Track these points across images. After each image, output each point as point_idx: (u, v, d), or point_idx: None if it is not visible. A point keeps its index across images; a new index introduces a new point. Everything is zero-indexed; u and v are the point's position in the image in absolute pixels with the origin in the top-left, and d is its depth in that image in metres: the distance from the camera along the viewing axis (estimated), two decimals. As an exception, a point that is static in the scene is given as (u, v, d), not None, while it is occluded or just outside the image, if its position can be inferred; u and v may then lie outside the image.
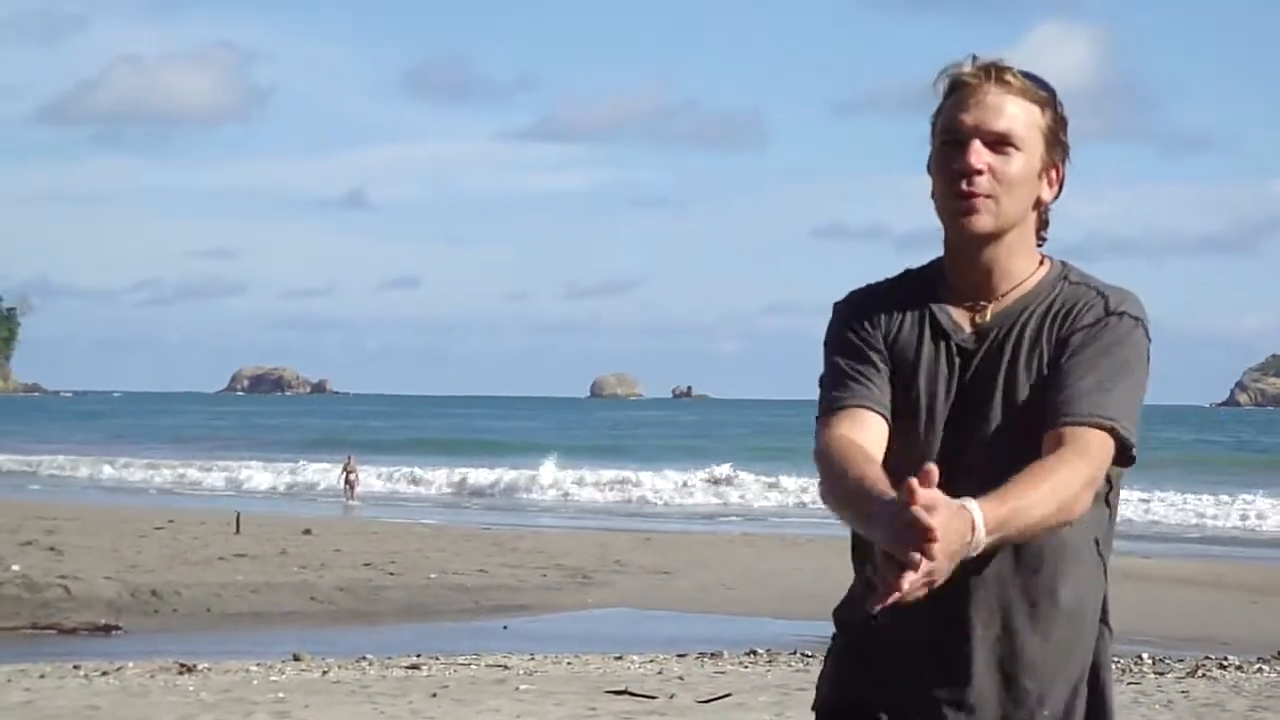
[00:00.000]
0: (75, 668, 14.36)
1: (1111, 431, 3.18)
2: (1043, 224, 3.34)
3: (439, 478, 46.36)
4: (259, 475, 48.97)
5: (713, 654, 15.87)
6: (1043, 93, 3.28)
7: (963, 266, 3.32)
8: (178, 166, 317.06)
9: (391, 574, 22.14)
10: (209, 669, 14.34)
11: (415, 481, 46.37)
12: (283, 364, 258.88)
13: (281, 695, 12.63)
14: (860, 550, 3.40)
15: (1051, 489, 3.06)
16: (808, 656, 15.90)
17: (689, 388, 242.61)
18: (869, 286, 3.42)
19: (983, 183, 3.22)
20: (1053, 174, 3.30)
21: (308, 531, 27.19)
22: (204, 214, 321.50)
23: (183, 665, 14.47)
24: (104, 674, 14.01)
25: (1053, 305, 3.28)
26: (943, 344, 3.30)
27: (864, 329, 3.35)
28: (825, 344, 3.41)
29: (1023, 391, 3.24)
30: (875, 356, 3.32)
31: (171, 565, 22.04)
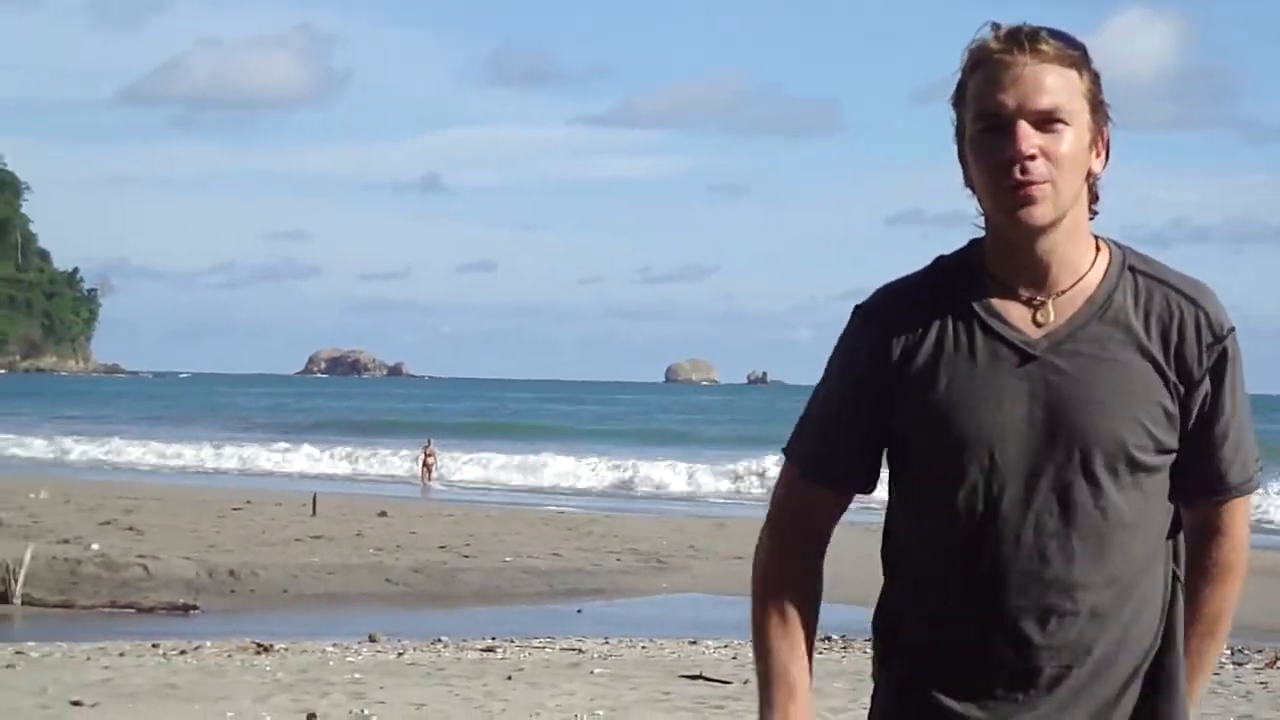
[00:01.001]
0: (154, 646, 14.47)
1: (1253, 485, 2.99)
2: (1094, 197, 2.96)
3: (513, 463, 46.39)
4: (336, 458, 49.18)
5: (787, 640, 15.82)
6: (1074, 52, 2.91)
7: (1016, 260, 2.94)
8: (255, 149, 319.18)
9: (466, 557, 22.20)
10: (286, 649, 14.43)
11: (486, 466, 46.39)
12: (359, 347, 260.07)
13: (357, 676, 12.70)
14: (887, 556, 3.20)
15: (1227, 615, 3.00)
16: (882, 643, 15.86)
17: (764, 373, 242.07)
18: (894, 285, 3.05)
19: (1038, 169, 2.85)
20: (1100, 141, 2.94)
21: (383, 514, 27.30)
22: (281, 197, 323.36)
23: (260, 645, 14.56)
24: (182, 653, 14.11)
25: (1140, 307, 2.92)
26: (1003, 351, 2.94)
27: (876, 350, 3.00)
28: (831, 358, 3.08)
29: (1119, 411, 2.89)
30: (875, 398, 3.00)
31: (249, 546, 22.17)
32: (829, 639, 15.99)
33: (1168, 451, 2.93)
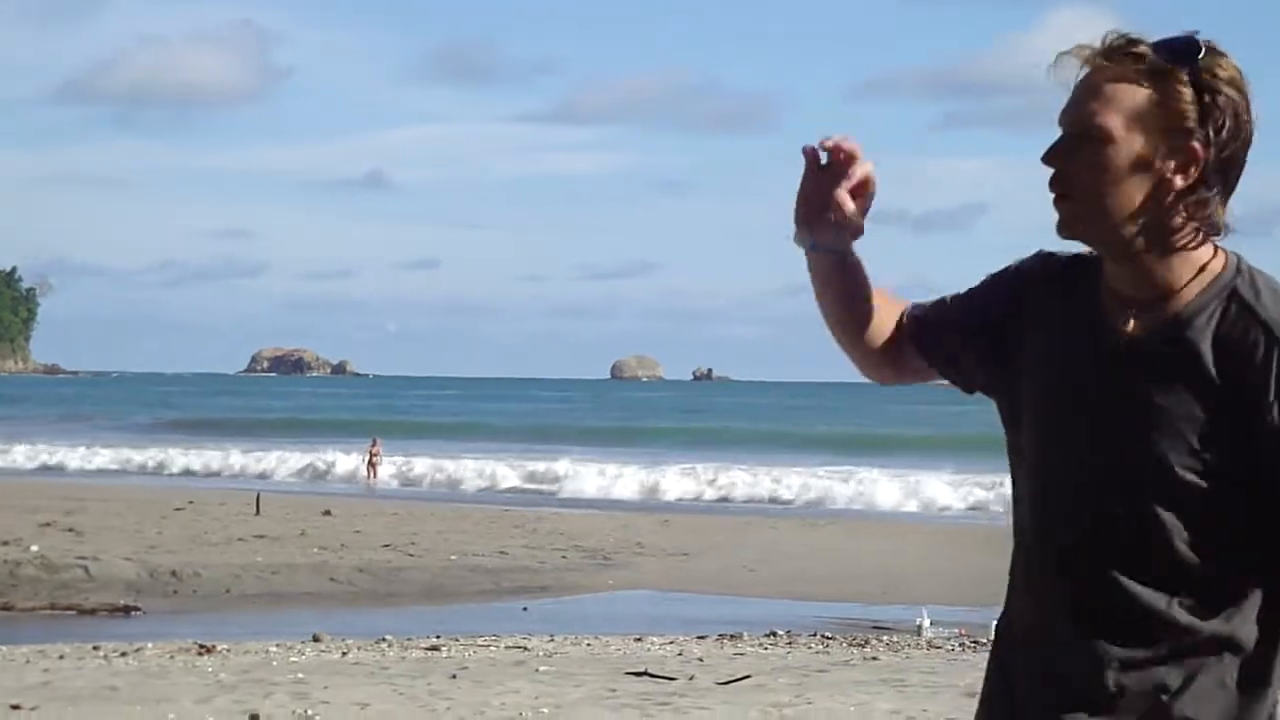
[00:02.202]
0: (94, 648, 14.36)
1: None
2: (1194, 215, 2.85)
3: (462, 463, 46.26)
4: (281, 457, 48.97)
5: (732, 636, 15.85)
6: (1143, 66, 2.85)
7: (1108, 266, 2.95)
8: (196, 147, 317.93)
9: (411, 555, 22.14)
10: (228, 650, 14.34)
11: (439, 467, 46.23)
12: (303, 345, 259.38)
13: (301, 676, 12.62)
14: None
15: None
16: (827, 638, 15.88)
17: (709, 369, 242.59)
18: (1058, 257, 3.08)
19: (1062, 181, 2.87)
20: (1178, 158, 2.84)
21: (327, 513, 27.20)
22: (223, 195, 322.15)
23: (202, 646, 14.47)
24: (123, 654, 14.01)
25: (1221, 334, 2.87)
26: (1089, 347, 2.96)
27: (1013, 297, 3.07)
28: (993, 273, 3.13)
29: (1164, 428, 2.87)
30: (995, 317, 3.07)
31: (191, 546, 22.06)
32: (774, 634, 16.00)
33: (1220, 475, 2.86)
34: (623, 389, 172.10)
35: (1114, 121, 2.84)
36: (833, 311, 3.21)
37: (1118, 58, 2.85)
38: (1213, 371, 2.85)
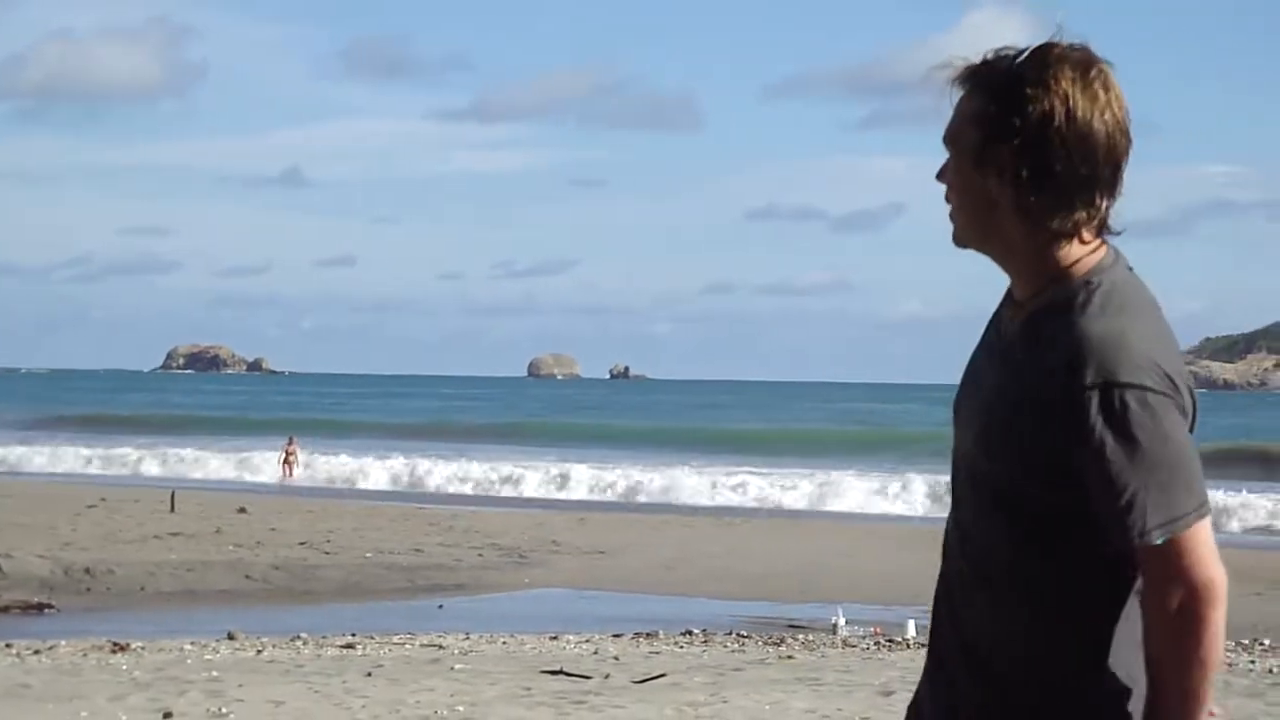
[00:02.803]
0: (7, 646, 14.26)
1: None
2: (1036, 222, 2.94)
3: (377, 461, 46.10)
4: (196, 455, 48.66)
5: (648, 634, 15.88)
6: (985, 75, 2.96)
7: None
8: (110, 143, 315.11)
9: (327, 553, 22.07)
10: (142, 648, 14.27)
11: (354, 465, 46.03)
12: (219, 342, 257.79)
13: (215, 674, 12.57)
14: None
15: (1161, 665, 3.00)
16: (743, 636, 15.94)
17: (626, 367, 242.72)
18: None
19: (947, 194, 3.02)
20: (995, 167, 2.93)
21: (243, 510, 27.08)
22: (138, 192, 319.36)
23: (116, 644, 14.39)
24: (36, 653, 13.92)
25: (1043, 341, 2.94)
26: (992, 338, 3.10)
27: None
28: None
29: (983, 417, 3.00)
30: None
31: (105, 544, 21.91)
32: (690, 633, 16.05)
33: (1047, 481, 2.91)
34: (538, 386, 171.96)
35: (955, 136, 2.98)
36: None
37: (973, 70, 2.97)
38: (1018, 366, 2.95)
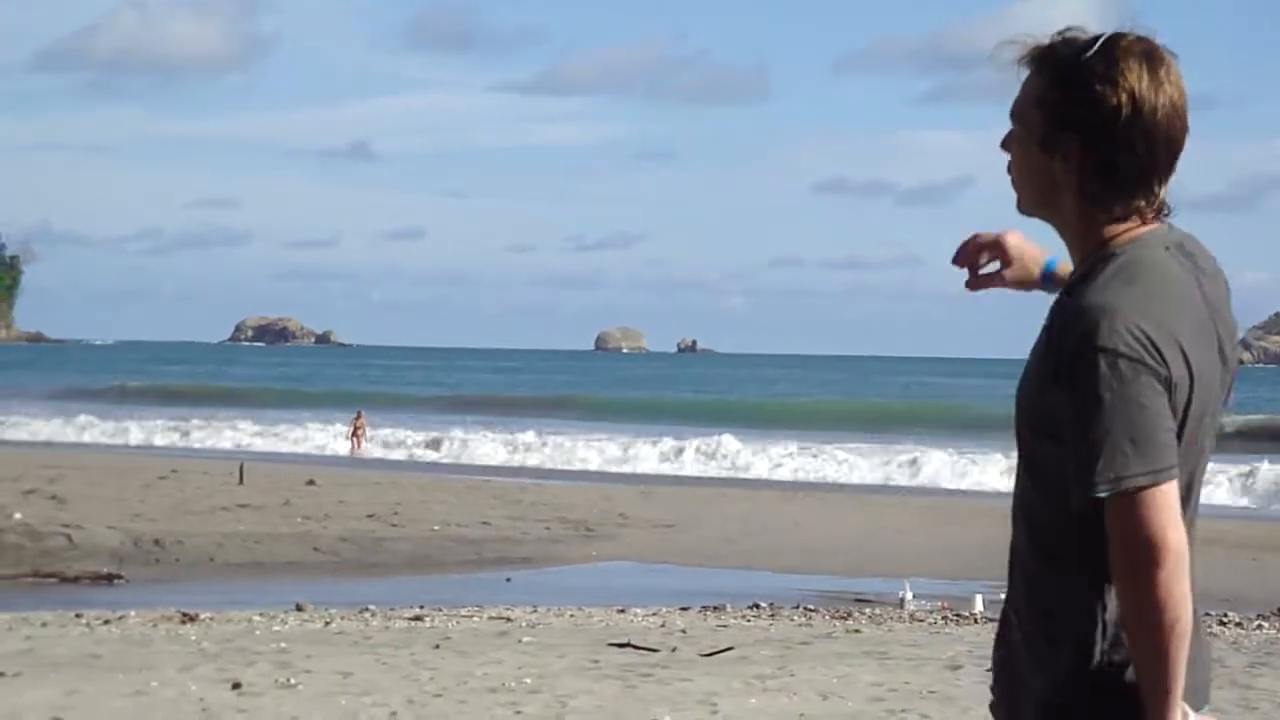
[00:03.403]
0: (77, 616, 14.36)
1: None
2: (1091, 200, 3.07)
3: (447, 434, 46.18)
4: (264, 426, 48.92)
5: (715, 607, 15.87)
6: (1051, 54, 3.08)
7: None
8: (180, 115, 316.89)
9: (395, 525, 22.15)
10: (211, 619, 14.35)
11: (424, 438, 46.12)
12: (287, 314, 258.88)
13: (284, 645, 12.63)
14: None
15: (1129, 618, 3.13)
16: (810, 610, 15.91)
17: (694, 341, 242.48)
18: None
19: (1009, 165, 3.18)
20: (1060, 147, 3.07)
21: (311, 482, 27.19)
22: (207, 164, 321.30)
23: (185, 615, 14.47)
24: (106, 623, 14.01)
25: (1058, 307, 3.10)
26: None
27: None
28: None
29: (1021, 389, 3.14)
30: None
31: (174, 515, 22.05)
32: (757, 606, 16.03)
33: (1046, 436, 3.07)
34: (605, 360, 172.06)
35: (1021, 115, 3.11)
36: None
37: (1040, 52, 3.09)
38: (1044, 343, 3.08)
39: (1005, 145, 3.15)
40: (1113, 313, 2.97)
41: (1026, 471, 3.14)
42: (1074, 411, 2.97)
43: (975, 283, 3.53)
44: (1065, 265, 3.28)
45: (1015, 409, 3.14)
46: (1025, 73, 3.10)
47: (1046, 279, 3.50)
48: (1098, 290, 3.01)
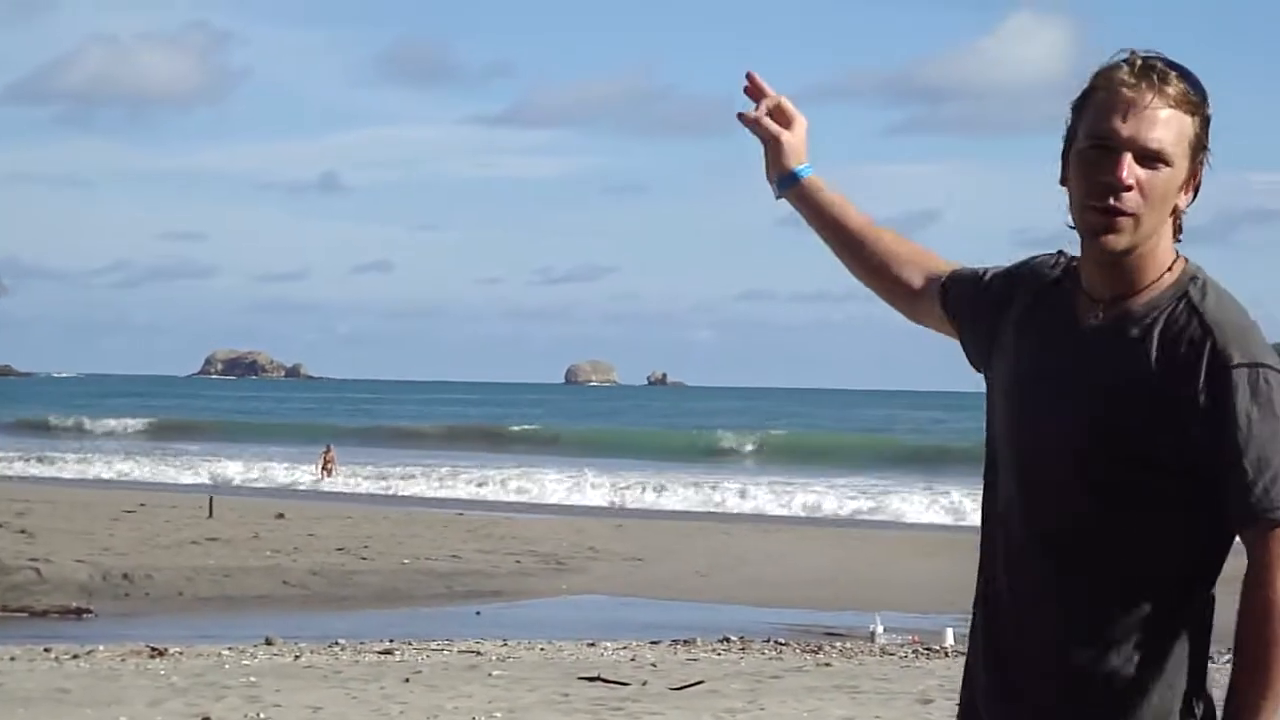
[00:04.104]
0: (46, 650, 14.30)
1: None
2: (1177, 229, 3.16)
3: (417, 468, 46.13)
4: (233, 460, 48.80)
5: (686, 641, 15.87)
6: (1195, 98, 3.12)
7: (1090, 270, 3.18)
8: (150, 148, 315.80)
9: (364, 559, 22.10)
10: (180, 653, 14.30)
11: (393, 472, 46.05)
12: (257, 347, 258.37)
13: (253, 679, 12.60)
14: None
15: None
16: (780, 644, 15.91)
17: (664, 374, 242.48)
18: (1037, 259, 3.35)
19: (1130, 200, 3.06)
20: (1192, 181, 3.13)
21: (280, 516, 27.13)
22: (176, 196, 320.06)
23: (154, 649, 14.42)
24: (75, 657, 13.96)
25: (1165, 330, 3.08)
26: (1053, 338, 3.19)
27: (997, 286, 3.35)
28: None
29: (1085, 410, 3.08)
30: (979, 302, 3.36)
31: (143, 549, 21.97)
32: (728, 640, 16.03)
33: (1133, 463, 3.04)
34: (576, 393, 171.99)
35: (1173, 148, 3.09)
36: (827, 244, 3.64)
37: (1163, 89, 3.08)
38: (1152, 362, 3.05)
39: (1127, 178, 3.06)
40: (1257, 332, 3.08)
41: (1108, 506, 3.06)
42: (1242, 429, 2.98)
43: (748, 115, 3.66)
44: (816, 180, 3.60)
45: (1088, 436, 3.06)
46: (1154, 108, 3.07)
47: (789, 178, 3.63)
48: (1223, 309, 3.08)
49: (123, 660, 13.85)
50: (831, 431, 72.61)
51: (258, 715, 11.00)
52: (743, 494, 38.45)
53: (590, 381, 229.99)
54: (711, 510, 35.89)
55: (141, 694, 11.79)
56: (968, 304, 3.37)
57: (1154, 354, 3.06)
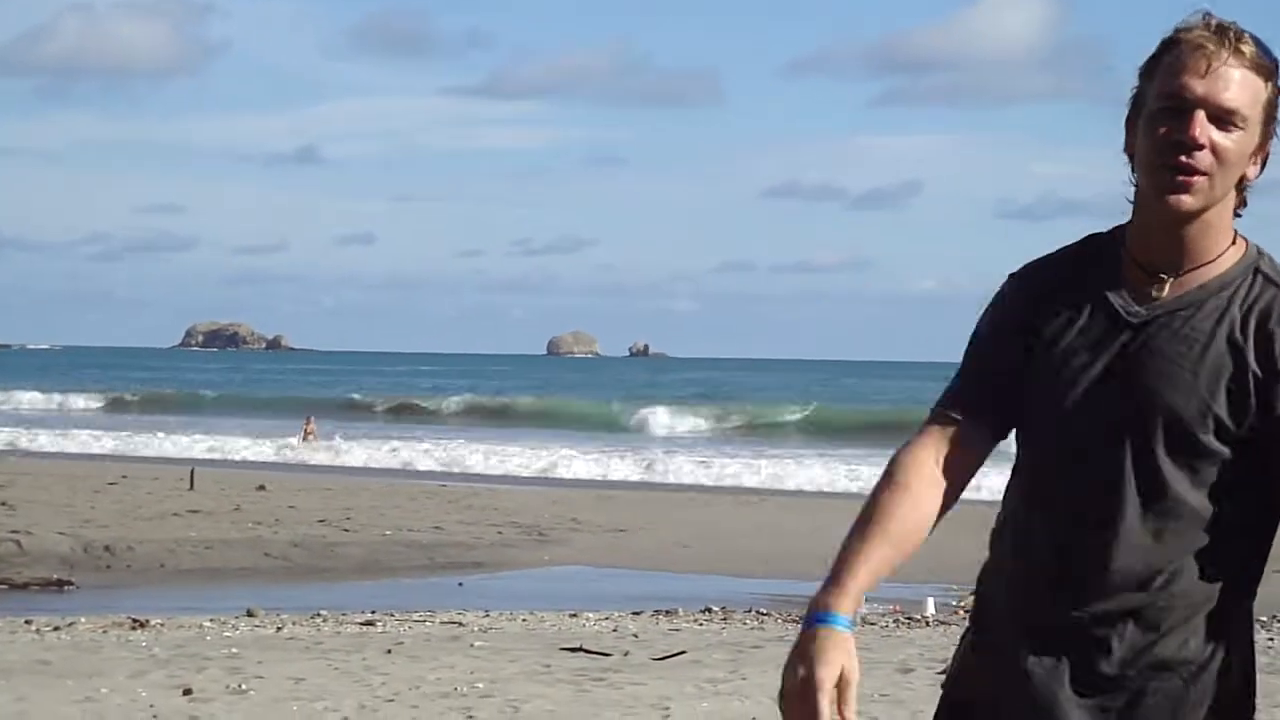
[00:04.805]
0: (27, 623, 14.29)
1: None
2: (1241, 200, 3.11)
3: (399, 440, 46.09)
4: (215, 432, 48.73)
5: (668, 612, 15.88)
6: (1268, 63, 3.06)
7: (1151, 237, 3.10)
8: (128, 120, 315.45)
9: (346, 530, 22.10)
10: (162, 624, 14.30)
11: (375, 443, 46.01)
12: (238, 319, 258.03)
13: (235, 651, 12.59)
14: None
15: None
16: (762, 614, 15.93)
17: (645, 345, 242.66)
18: (1042, 259, 3.23)
19: (1202, 159, 3.01)
20: (1262, 151, 3.10)
21: (262, 488, 27.12)
22: (155, 169, 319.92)
23: (135, 620, 14.41)
24: (56, 629, 13.95)
25: (1247, 303, 3.06)
26: (1103, 317, 3.11)
27: (1015, 313, 3.18)
28: (977, 321, 3.25)
29: (1184, 392, 3.03)
30: (1014, 350, 3.17)
31: (125, 521, 21.95)
32: (709, 610, 16.05)
33: (1233, 439, 3.03)
34: (557, 364, 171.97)
35: (1248, 110, 3.03)
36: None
37: (1238, 48, 3.03)
38: (1239, 335, 3.03)
39: (1200, 136, 3.02)
40: None
41: (1198, 481, 3.05)
42: None
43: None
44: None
45: (1181, 402, 3.03)
46: (1229, 67, 3.02)
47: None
48: None
49: (104, 632, 13.84)
50: (813, 401, 72.66)
51: (239, 686, 11.00)
52: (725, 465, 38.49)
53: (572, 353, 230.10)
54: (693, 482, 35.86)
55: (123, 665, 11.78)
56: (1005, 394, 3.18)
57: (1236, 327, 3.03)
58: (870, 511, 3.19)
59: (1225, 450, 3.02)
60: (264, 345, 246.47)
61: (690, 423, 56.56)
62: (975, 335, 3.24)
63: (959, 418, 3.20)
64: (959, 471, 3.20)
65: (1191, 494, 3.03)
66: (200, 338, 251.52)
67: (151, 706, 10.31)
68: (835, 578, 3.23)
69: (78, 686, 10.90)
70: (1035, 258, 3.25)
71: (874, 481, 3.28)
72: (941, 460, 3.18)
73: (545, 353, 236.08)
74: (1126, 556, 3.04)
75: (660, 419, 57.07)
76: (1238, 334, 3.03)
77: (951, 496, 3.21)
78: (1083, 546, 3.07)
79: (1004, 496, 3.25)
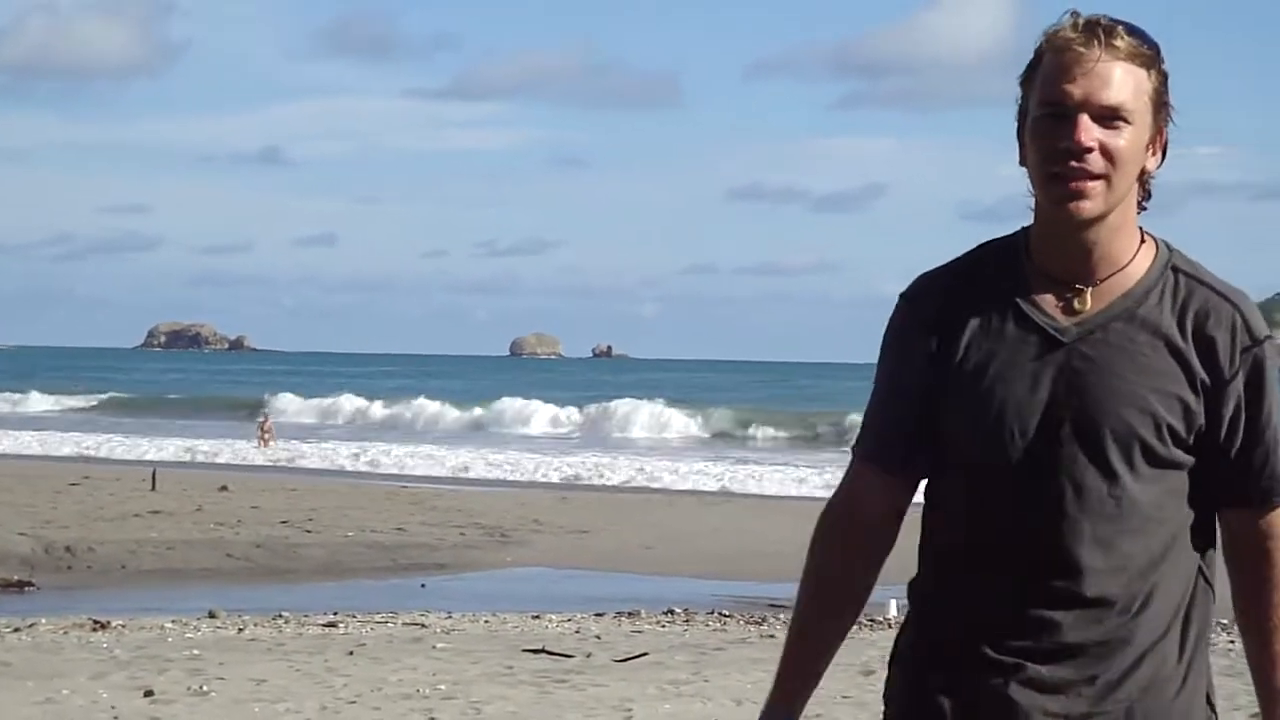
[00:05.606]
0: (-13, 624, 14.24)
1: None
2: (1145, 194, 3.01)
3: (360, 442, 46.05)
4: (176, 433, 48.59)
5: (630, 613, 15.90)
6: (1148, 51, 2.96)
7: (1059, 248, 2.98)
8: (90, 120, 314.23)
9: (309, 531, 22.05)
10: (123, 626, 14.26)
11: (337, 445, 45.97)
12: (200, 320, 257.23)
13: (196, 652, 12.57)
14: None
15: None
16: (724, 616, 15.95)
17: (609, 347, 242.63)
18: (936, 272, 3.09)
19: (1094, 162, 2.90)
20: (1158, 141, 2.99)
21: (224, 488, 27.06)
22: (118, 169, 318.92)
23: (96, 622, 14.37)
24: (16, 630, 13.90)
25: (1177, 306, 2.96)
26: (1033, 337, 2.98)
27: (920, 338, 3.05)
28: (881, 347, 3.13)
29: (1136, 407, 2.93)
30: (921, 380, 3.04)
31: (86, 522, 21.88)
32: (672, 612, 16.06)
33: (1186, 448, 2.97)
34: (520, 366, 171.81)
35: (1133, 104, 2.94)
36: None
37: (1110, 43, 2.93)
38: (1180, 342, 2.95)
39: (1087, 141, 2.90)
40: (1251, 299, 3.02)
41: (1167, 493, 2.98)
42: (1269, 408, 2.97)
43: None
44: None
45: (1135, 417, 2.93)
46: (1110, 61, 2.92)
47: None
48: (1218, 281, 3.01)
49: (65, 633, 13.80)
50: (776, 404, 72.70)
51: (201, 688, 10.98)
52: (686, 467, 38.49)
53: (535, 354, 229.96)
54: (655, 485, 35.87)
55: (84, 667, 11.75)
56: (925, 440, 3.07)
57: (1175, 334, 2.95)
58: (812, 586, 3.38)
59: (1188, 458, 2.97)
60: (227, 346, 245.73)
61: (653, 424, 56.56)
62: (883, 375, 3.13)
63: (885, 472, 3.14)
64: (893, 522, 3.20)
65: (1161, 510, 2.97)
66: (163, 338, 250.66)
67: (113, 708, 10.29)
68: (779, 682, 3.35)
69: (38, 688, 10.86)
70: (925, 272, 3.11)
71: (832, 490, 3.28)
72: (876, 517, 3.18)
73: (509, 354, 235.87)
74: (1095, 587, 2.95)
75: (620, 419, 57.08)
76: (1178, 341, 2.94)
77: (886, 549, 3.22)
78: (1046, 581, 2.96)
79: (924, 546, 3.16)
